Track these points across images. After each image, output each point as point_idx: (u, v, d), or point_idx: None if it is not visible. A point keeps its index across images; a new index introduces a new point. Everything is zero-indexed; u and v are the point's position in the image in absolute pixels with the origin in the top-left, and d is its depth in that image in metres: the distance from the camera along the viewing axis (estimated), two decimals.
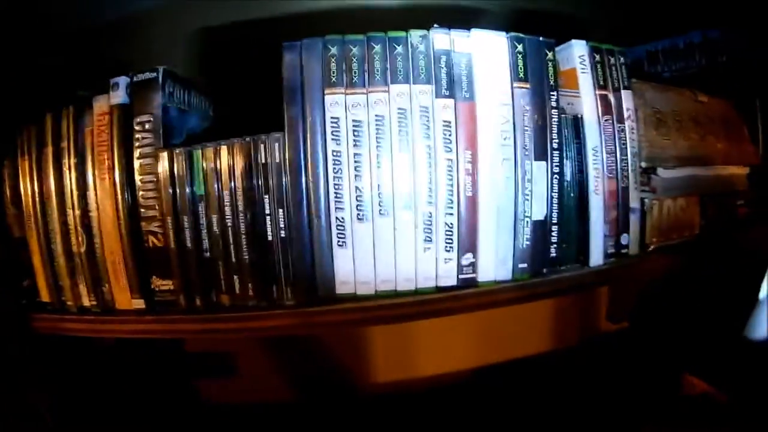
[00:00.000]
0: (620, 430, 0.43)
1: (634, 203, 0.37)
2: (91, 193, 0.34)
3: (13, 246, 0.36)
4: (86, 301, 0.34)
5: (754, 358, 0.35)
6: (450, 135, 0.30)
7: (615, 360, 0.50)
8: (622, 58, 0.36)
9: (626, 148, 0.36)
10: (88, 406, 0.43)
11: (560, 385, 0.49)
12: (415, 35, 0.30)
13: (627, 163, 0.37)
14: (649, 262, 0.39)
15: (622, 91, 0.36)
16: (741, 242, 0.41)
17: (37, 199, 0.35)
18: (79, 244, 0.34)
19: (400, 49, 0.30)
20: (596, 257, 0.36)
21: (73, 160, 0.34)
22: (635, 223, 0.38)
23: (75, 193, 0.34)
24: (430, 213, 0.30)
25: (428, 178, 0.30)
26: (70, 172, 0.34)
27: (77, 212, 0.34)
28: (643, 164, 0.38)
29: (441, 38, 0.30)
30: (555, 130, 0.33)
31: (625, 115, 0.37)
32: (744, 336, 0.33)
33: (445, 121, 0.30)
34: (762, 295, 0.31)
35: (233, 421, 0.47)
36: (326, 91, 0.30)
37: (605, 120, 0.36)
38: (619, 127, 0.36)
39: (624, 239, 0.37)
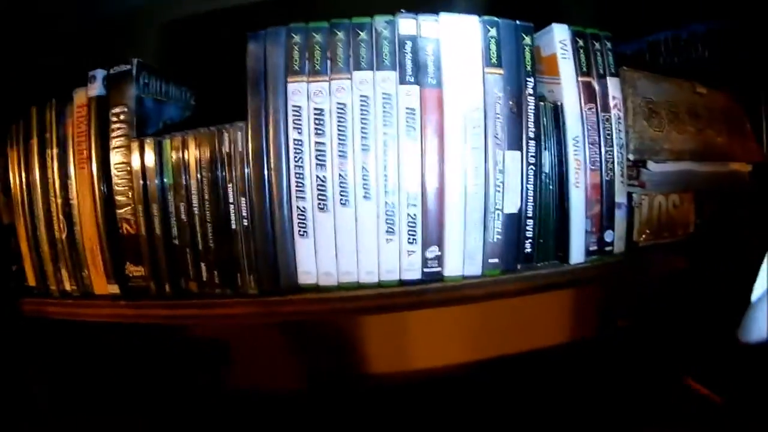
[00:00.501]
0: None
1: (620, 198, 0.35)
2: (72, 182, 0.35)
3: (2, 232, 0.38)
4: (68, 286, 0.36)
5: (747, 360, 0.33)
6: (413, 123, 0.29)
7: (614, 359, 0.49)
8: (608, 44, 0.35)
9: (611, 138, 0.35)
10: (81, 392, 0.45)
11: (558, 383, 0.48)
12: (379, 21, 0.30)
13: (612, 154, 0.35)
14: (643, 261, 0.38)
15: (608, 79, 0.35)
16: (740, 242, 0.39)
17: (24, 187, 0.37)
18: (61, 230, 0.36)
19: (363, 35, 0.29)
20: (577, 254, 0.35)
21: (55, 151, 0.36)
22: (621, 219, 0.36)
23: (57, 182, 0.35)
24: (393, 203, 0.30)
25: (386, 166, 0.29)
26: (52, 162, 0.36)
27: (59, 200, 0.35)
28: (631, 156, 0.36)
29: (407, 23, 0.30)
30: (531, 118, 0.32)
31: (611, 103, 0.35)
32: (735, 338, 0.31)
33: (408, 108, 0.29)
34: (754, 297, 0.29)
35: (226, 410, 0.48)
36: (289, 80, 0.30)
37: (588, 108, 0.34)
38: (604, 116, 0.34)
39: (608, 236, 0.36)
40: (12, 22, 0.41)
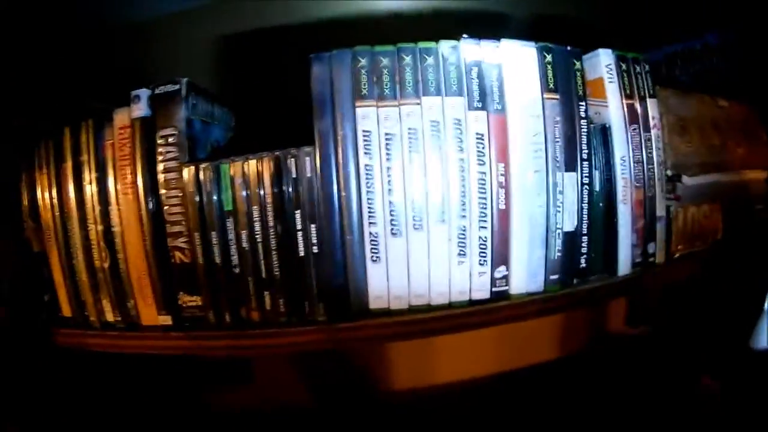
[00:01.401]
0: None
1: (660, 211, 0.38)
2: (113, 208, 0.34)
3: (33, 260, 0.36)
4: (110, 317, 0.35)
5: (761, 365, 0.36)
6: (483, 147, 0.31)
7: (634, 365, 0.51)
8: (647, 67, 0.37)
9: (653, 156, 0.37)
10: (102, 413, 0.43)
11: (577, 390, 0.50)
12: (445, 46, 0.31)
13: (653, 171, 0.37)
14: (673, 269, 0.41)
15: (648, 100, 0.37)
16: (758, 247, 0.43)
17: (57, 213, 0.35)
18: (102, 259, 0.34)
19: (430, 60, 0.30)
20: (624, 266, 0.37)
21: (93, 174, 0.34)
22: (661, 231, 0.38)
23: (97, 207, 0.34)
24: (464, 226, 0.31)
25: (461, 191, 0.31)
26: (90, 187, 0.34)
27: (100, 227, 0.34)
28: (669, 172, 0.39)
29: (471, 49, 0.31)
30: (584, 140, 0.34)
31: (651, 123, 0.37)
32: (751, 345, 0.34)
33: (478, 134, 0.31)
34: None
35: (248, 429, 0.47)
36: (357, 104, 0.30)
37: (632, 129, 0.36)
38: (646, 135, 0.37)
39: (651, 248, 0.38)
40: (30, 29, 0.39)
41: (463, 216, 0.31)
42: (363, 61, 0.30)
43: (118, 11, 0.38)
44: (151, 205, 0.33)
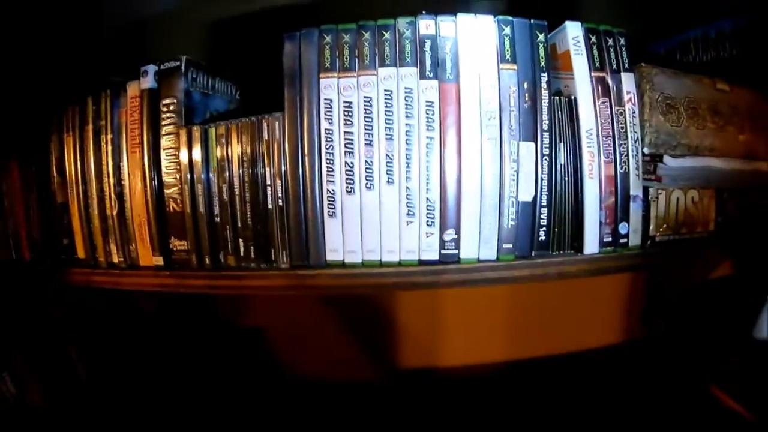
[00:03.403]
0: None
1: (635, 191, 0.39)
2: (124, 164, 0.43)
3: (56, 209, 0.46)
4: (115, 258, 0.43)
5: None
6: (432, 114, 0.35)
7: (644, 364, 0.52)
8: (622, 40, 0.39)
9: (626, 132, 0.39)
10: (119, 365, 0.53)
11: (591, 385, 0.51)
12: (402, 22, 0.35)
13: (626, 147, 0.39)
14: (661, 256, 0.41)
15: (623, 74, 0.39)
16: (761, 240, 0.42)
17: (78, 168, 0.45)
18: (112, 208, 0.43)
19: (387, 35, 0.35)
20: (591, 244, 0.39)
21: (109, 136, 0.43)
22: (636, 212, 0.40)
23: (110, 164, 0.43)
24: (412, 188, 0.35)
25: (407, 155, 0.35)
26: (107, 146, 0.43)
27: (112, 181, 0.43)
28: (646, 150, 0.40)
29: (427, 24, 0.35)
30: (545, 111, 0.37)
31: (625, 98, 0.39)
32: (752, 337, 0.35)
33: (428, 101, 0.35)
34: None
35: (257, 396, 0.54)
36: (321, 76, 0.36)
37: (601, 102, 0.38)
38: (618, 110, 0.39)
39: (623, 228, 0.40)
40: (65, 23, 0.49)
41: (408, 178, 0.35)
42: (328, 38, 0.36)
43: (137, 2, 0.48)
44: (153, 162, 0.41)
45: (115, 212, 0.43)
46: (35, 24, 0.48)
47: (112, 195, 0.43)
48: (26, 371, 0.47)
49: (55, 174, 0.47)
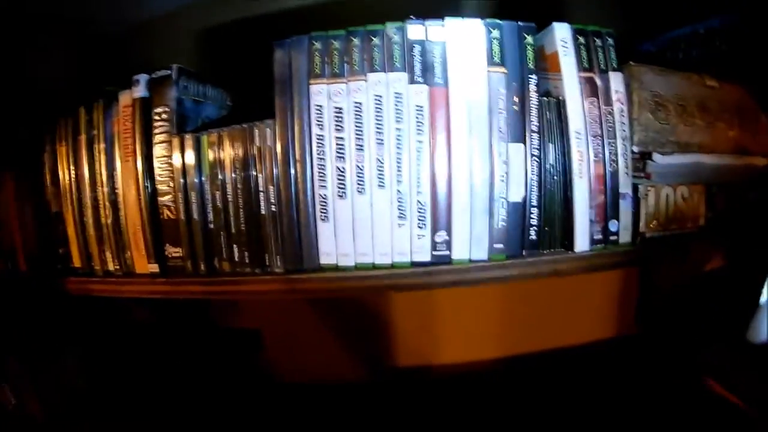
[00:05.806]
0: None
1: (624, 189, 0.41)
2: (117, 173, 0.44)
3: (51, 219, 0.48)
4: (111, 266, 0.45)
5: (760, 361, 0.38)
6: (422, 118, 0.37)
7: (637, 359, 0.53)
8: (610, 40, 0.41)
9: (614, 131, 0.41)
10: (116, 372, 0.55)
11: (589, 381, 0.53)
12: (390, 27, 0.37)
13: (615, 146, 0.41)
14: (652, 252, 0.43)
15: (611, 73, 0.41)
16: (752, 237, 0.43)
17: (72, 178, 0.46)
18: (107, 216, 0.45)
19: (376, 41, 0.37)
20: (581, 242, 0.41)
21: (102, 146, 0.45)
22: (626, 209, 0.41)
23: (104, 173, 0.45)
24: (403, 191, 0.37)
25: (397, 159, 0.37)
26: (100, 156, 0.45)
27: (106, 189, 0.45)
28: (635, 148, 0.42)
29: (415, 29, 0.37)
30: (534, 112, 0.39)
31: (614, 97, 0.41)
32: (746, 339, 0.36)
33: (417, 106, 0.37)
34: (762, 299, 0.34)
35: (255, 398, 0.56)
36: (311, 82, 0.38)
37: (590, 102, 0.40)
38: (606, 109, 0.41)
39: (613, 225, 0.42)
40: (53, 28, 0.51)
41: (399, 182, 0.37)
42: (317, 45, 0.38)
43: (127, 10, 0.50)
44: (146, 170, 0.43)
45: (109, 220, 0.45)
46: (27, 37, 0.49)
47: (107, 203, 0.45)
48: (25, 381, 0.49)
49: (49, 184, 0.48)
